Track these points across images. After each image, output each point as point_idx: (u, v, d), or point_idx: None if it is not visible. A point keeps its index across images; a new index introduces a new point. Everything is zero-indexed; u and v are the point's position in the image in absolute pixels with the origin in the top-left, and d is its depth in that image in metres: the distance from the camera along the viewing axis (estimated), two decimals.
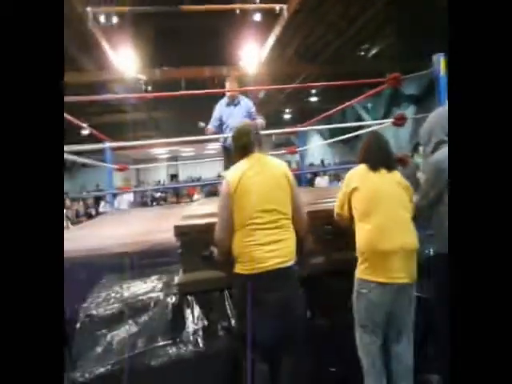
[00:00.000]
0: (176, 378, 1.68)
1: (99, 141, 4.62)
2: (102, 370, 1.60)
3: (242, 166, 1.66)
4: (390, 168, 1.76)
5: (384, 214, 1.64)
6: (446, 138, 1.83)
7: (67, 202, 7.21)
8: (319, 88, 11.84)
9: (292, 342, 1.58)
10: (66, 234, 1.85)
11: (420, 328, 1.76)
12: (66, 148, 2.01)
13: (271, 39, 7.68)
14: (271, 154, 1.85)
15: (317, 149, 17.30)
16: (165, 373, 1.64)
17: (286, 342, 1.57)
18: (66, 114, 2.30)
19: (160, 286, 2.14)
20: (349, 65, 9.18)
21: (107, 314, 1.90)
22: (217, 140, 3.74)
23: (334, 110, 5.14)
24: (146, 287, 2.12)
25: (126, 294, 2.04)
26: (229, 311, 1.87)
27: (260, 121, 3.46)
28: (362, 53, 9.05)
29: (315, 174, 9.99)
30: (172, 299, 1.97)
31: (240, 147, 1.72)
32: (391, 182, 1.73)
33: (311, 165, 15.64)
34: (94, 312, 1.91)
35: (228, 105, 3.57)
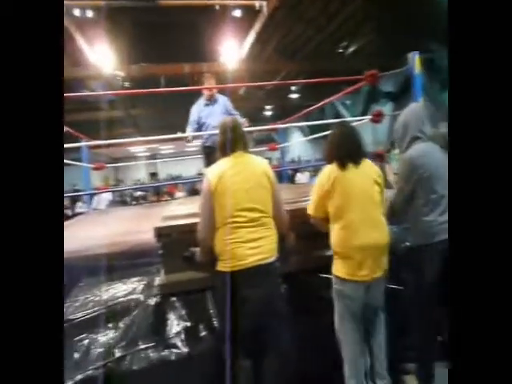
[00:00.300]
0: (158, 382, 1.66)
1: (75, 139, 4.47)
2: (80, 376, 1.56)
3: (223, 164, 1.65)
4: (359, 161, 1.73)
5: (356, 212, 1.66)
6: (420, 135, 1.89)
7: None
8: (299, 85, 11.90)
9: (274, 338, 1.59)
10: None
11: (397, 318, 1.81)
12: None
13: (251, 36, 7.65)
14: (252, 151, 1.84)
15: (297, 145, 17.42)
16: (147, 377, 1.61)
17: (268, 337, 1.58)
18: None
19: (141, 287, 2.10)
20: (328, 62, 9.27)
21: (86, 319, 1.85)
22: (197, 138, 3.67)
23: (314, 107, 5.19)
24: (126, 289, 2.07)
25: (105, 297, 1.99)
26: (211, 312, 1.86)
27: (242, 119, 3.44)
28: (341, 50, 9.15)
29: (296, 171, 10.07)
30: (153, 301, 1.94)
31: (224, 143, 1.69)
32: (362, 177, 1.72)
33: (292, 161, 15.74)
34: (72, 317, 1.86)
35: (206, 104, 3.52)
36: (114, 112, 12.08)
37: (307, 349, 1.82)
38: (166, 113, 13.19)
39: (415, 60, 3.07)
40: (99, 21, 7.12)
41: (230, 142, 1.68)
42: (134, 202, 10.61)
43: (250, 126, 3.60)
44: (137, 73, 8.97)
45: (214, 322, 1.80)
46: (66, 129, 4.55)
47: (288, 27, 8.35)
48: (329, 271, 1.81)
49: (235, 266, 1.52)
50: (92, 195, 6.01)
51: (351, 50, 9.07)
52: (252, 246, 1.54)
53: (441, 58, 7.22)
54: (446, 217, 1.82)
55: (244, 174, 1.62)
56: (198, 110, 3.51)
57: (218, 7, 7.97)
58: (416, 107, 2.02)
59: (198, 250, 1.74)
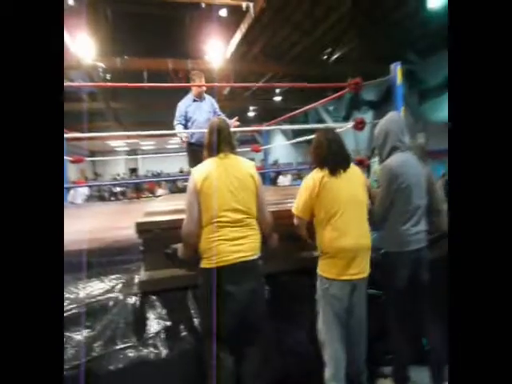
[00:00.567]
0: (137, 382, 1.64)
1: None
2: None
3: (209, 164, 1.67)
4: (347, 167, 1.80)
5: (345, 215, 1.72)
6: (400, 145, 1.96)
7: None
8: (284, 88, 12.01)
9: (256, 334, 1.63)
10: None
11: (372, 322, 1.87)
12: None
13: (237, 36, 7.66)
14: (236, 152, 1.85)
15: (280, 148, 17.55)
16: (125, 377, 1.58)
17: (250, 333, 1.61)
18: None
19: (119, 285, 2.06)
20: (313, 67, 9.40)
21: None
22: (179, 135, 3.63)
23: (299, 110, 5.25)
24: (104, 287, 2.03)
25: (82, 295, 1.94)
26: (192, 311, 1.86)
27: (230, 120, 3.45)
28: (326, 56, 9.31)
29: (278, 173, 10.15)
30: (132, 299, 1.91)
31: (211, 144, 1.71)
32: (350, 181, 1.79)
33: (274, 163, 15.85)
34: None
35: (194, 100, 3.52)
36: (94, 104, 11.75)
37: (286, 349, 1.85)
38: (147, 108, 12.98)
39: (397, 70, 3.17)
40: (81, 9, 6.92)
41: (216, 143, 1.69)
42: (113, 198, 10.36)
43: (238, 126, 3.62)
44: (119, 65, 8.77)
45: (195, 322, 1.79)
46: None
47: (274, 30, 8.42)
48: (310, 273, 1.85)
49: (219, 262, 1.55)
50: (68, 189, 5.83)
51: (335, 56, 9.24)
52: (236, 244, 1.58)
53: (420, 69, 7.50)
54: (419, 227, 1.92)
55: (230, 175, 1.64)
56: (185, 104, 3.50)
57: (204, 5, 7.93)
58: (397, 117, 2.08)
59: (179, 246, 1.73)
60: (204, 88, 3.57)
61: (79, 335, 1.67)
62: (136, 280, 2.06)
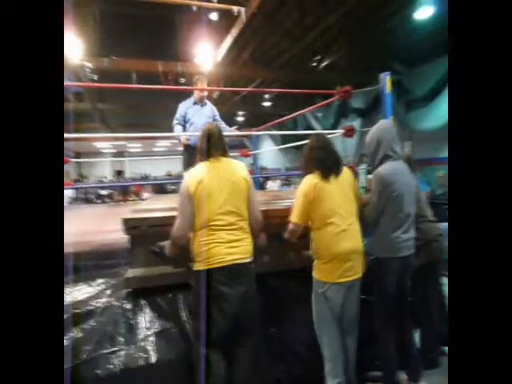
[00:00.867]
0: None
1: None
2: None
3: (202, 168, 1.68)
4: (340, 171, 1.85)
5: (338, 221, 1.76)
6: (391, 153, 2.00)
7: None
8: (273, 94, 12.09)
9: (249, 336, 1.63)
10: None
11: (363, 328, 1.90)
12: None
13: (228, 40, 7.68)
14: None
15: (268, 153, 17.61)
16: (114, 381, 1.55)
17: (243, 335, 1.62)
18: None
19: (107, 289, 2.03)
20: (302, 73, 9.50)
21: None
22: (171, 137, 3.63)
23: (288, 116, 5.29)
24: (91, 291, 1.99)
25: (69, 299, 1.90)
26: (182, 314, 1.84)
27: (228, 128, 3.51)
28: (315, 63, 9.43)
29: (267, 178, 10.17)
30: (120, 303, 1.88)
31: (204, 148, 1.72)
32: (343, 185, 1.83)
33: (262, 168, 15.88)
34: None
35: (195, 103, 3.54)
36: (80, 105, 11.55)
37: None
38: (135, 109, 12.83)
39: (386, 80, 3.24)
40: (67, 8, 6.82)
41: (210, 147, 1.70)
42: (99, 201, 10.17)
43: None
44: (107, 66, 8.65)
45: (186, 326, 1.78)
46: None
47: (265, 35, 8.48)
48: (297, 273, 1.86)
49: (214, 263, 1.55)
50: None
51: (324, 63, 9.37)
52: (230, 246, 1.59)
53: (406, 79, 7.67)
54: (409, 234, 1.96)
55: (222, 178, 1.65)
56: (185, 106, 3.54)
57: (195, 8, 7.93)
58: (388, 125, 2.12)
59: (166, 244, 1.72)
60: (205, 93, 3.60)
61: (67, 340, 1.63)
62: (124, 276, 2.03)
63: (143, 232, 1.91)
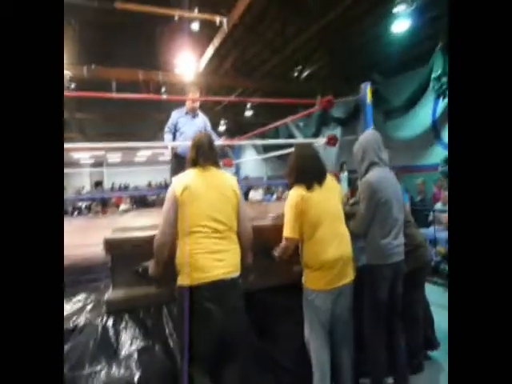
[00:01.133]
0: None
1: None
2: None
3: (190, 174, 1.65)
4: (324, 181, 1.84)
5: (326, 227, 1.76)
6: (377, 160, 2.03)
7: None
8: (255, 103, 12.17)
9: (236, 355, 1.58)
10: None
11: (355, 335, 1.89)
12: None
13: (210, 50, 7.71)
14: None
15: (250, 163, 17.64)
16: None
17: (231, 354, 1.56)
18: None
19: (87, 305, 1.94)
20: (284, 83, 9.63)
21: None
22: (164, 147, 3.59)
23: (269, 126, 5.33)
24: (70, 308, 1.90)
25: None
26: (167, 331, 1.77)
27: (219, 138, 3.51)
28: (296, 73, 9.58)
29: (250, 187, 10.17)
30: (101, 319, 1.79)
31: (194, 156, 1.69)
32: (328, 193, 1.83)
33: (244, 178, 15.87)
34: None
35: (187, 113, 3.52)
36: None
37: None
38: (114, 119, 12.61)
39: (367, 90, 3.31)
40: None
41: (199, 156, 1.68)
42: (76, 213, 9.84)
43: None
44: (86, 74, 8.48)
45: (171, 343, 1.71)
46: None
47: (246, 45, 8.57)
48: (286, 289, 1.84)
49: (199, 278, 1.48)
50: None
51: (305, 73, 9.54)
52: (217, 258, 1.52)
53: (384, 89, 7.89)
54: (399, 240, 1.98)
55: (211, 186, 1.63)
56: (177, 115, 3.53)
57: (176, 18, 7.93)
58: (373, 134, 2.17)
59: (150, 264, 1.67)
60: (198, 103, 3.59)
61: None
62: (104, 298, 1.95)
63: (125, 252, 1.85)
